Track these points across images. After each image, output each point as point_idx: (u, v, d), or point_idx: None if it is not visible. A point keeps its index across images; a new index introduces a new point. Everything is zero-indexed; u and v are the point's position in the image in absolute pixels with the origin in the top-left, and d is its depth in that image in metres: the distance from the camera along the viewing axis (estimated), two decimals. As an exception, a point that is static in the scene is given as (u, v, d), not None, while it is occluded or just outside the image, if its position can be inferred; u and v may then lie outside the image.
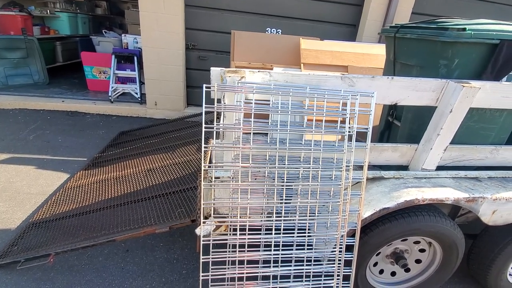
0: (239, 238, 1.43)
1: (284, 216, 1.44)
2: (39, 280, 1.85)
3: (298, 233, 1.47)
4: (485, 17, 1.88)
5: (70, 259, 2.01)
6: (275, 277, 1.51)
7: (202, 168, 1.42)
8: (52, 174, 2.93)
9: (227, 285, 1.50)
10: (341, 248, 1.49)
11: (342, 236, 1.48)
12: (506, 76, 1.60)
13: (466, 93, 1.42)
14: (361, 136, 1.55)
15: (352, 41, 4.04)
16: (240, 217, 1.43)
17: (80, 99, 4.83)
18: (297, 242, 1.48)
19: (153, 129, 3.78)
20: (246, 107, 1.33)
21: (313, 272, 1.52)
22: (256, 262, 1.49)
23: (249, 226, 1.44)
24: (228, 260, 1.45)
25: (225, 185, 1.51)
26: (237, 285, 1.50)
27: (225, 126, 1.42)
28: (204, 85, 1.30)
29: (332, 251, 1.50)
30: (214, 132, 1.37)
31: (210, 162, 1.61)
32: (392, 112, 2.12)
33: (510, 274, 1.89)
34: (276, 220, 1.44)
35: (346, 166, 1.42)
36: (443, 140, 1.57)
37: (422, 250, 1.79)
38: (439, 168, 1.69)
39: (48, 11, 6.10)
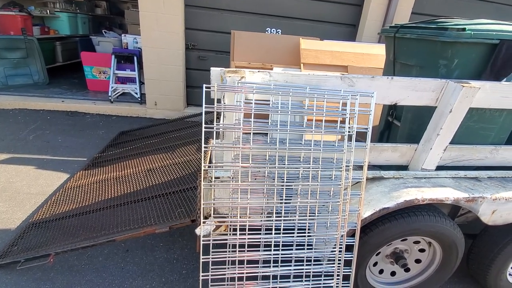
0: (239, 238, 1.43)
1: (284, 216, 1.44)
2: (39, 280, 1.85)
3: (298, 233, 1.47)
4: (485, 17, 1.88)
5: (70, 259, 2.02)
6: (275, 277, 1.51)
7: (202, 168, 1.42)
8: (52, 174, 2.93)
9: (227, 285, 1.50)
10: (341, 248, 1.49)
11: (342, 236, 1.48)
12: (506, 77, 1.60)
13: (465, 93, 1.42)
14: (361, 136, 1.55)
15: (352, 41, 4.05)
16: (240, 217, 1.43)
17: (80, 99, 4.83)
18: (297, 242, 1.48)
19: (153, 129, 3.78)
20: (246, 107, 1.33)
21: (313, 272, 1.53)
22: (256, 262, 1.49)
23: (249, 226, 1.44)
24: (228, 260, 1.45)
25: (225, 185, 1.51)
26: (237, 285, 1.50)
27: (225, 126, 1.42)
28: (204, 85, 1.30)
29: (332, 251, 1.50)
30: (214, 132, 1.37)
31: (210, 162, 1.61)
32: (392, 112, 2.12)
33: (510, 274, 1.89)
34: (276, 220, 1.44)
35: (346, 166, 1.42)
36: (442, 140, 1.57)
37: (422, 250, 1.79)
38: (439, 168, 1.69)
39: (48, 11, 6.10)
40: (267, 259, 1.48)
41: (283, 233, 1.46)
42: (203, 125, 1.30)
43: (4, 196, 2.56)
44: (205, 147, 1.34)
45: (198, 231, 1.46)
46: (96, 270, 1.95)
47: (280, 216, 1.44)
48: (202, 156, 1.38)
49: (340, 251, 1.50)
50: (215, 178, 1.51)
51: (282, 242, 1.47)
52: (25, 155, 3.23)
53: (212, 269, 1.43)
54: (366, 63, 2.95)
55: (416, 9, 4.38)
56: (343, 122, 1.41)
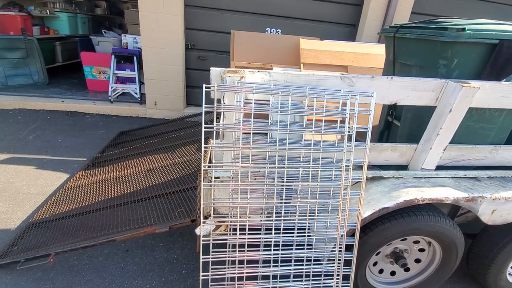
0: (239, 238, 1.44)
1: (284, 216, 1.44)
2: (39, 280, 1.85)
3: (297, 232, 1.47)
4: (485, 17, 1.88)
5: (70, 259, 2.02)
6: (274, 276, 1.51)
7: (202, 168, 1.43)
8: (52, 174, 2.93)
9: (227, 284, 1.50)
10: (340, 247, 1.50)
11: (341, 235, 1.48)
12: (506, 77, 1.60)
13: (465, 93, 1.42)
14: (360, 136, 1.56)
15: (351, 41, 4.05)
16: (240, 217, 1.43)
17: (79, 99, 4.83)
18: (296, 241, 1.48)
19: (153, 129, 3.78)
20: (246, 107, 1.34)
21: (312, 272, 1.53)
22: (256, 261, 1.49)
23: (249, 226, 1.44)
24: (228, 260, 1.45)
25: (225, 185, 1.51)
26: (237, 284, 1.50)
27: (225, 126, 1.42)
28: (204, 85, 1.30)
29: (332, 251, 1.50)
30: (214, 132, 1.37)
31: (210, 162, 1.61)
32: (392, 112, 2.12)
33: (509, 274, 1.89)
34: (276, 220, 1.44)
35: (346, 166, 1.42)
36: (442, 140, 1.57)
37: (421, 250, 1.79)
38: (439, 167, 1.69)
39: (47, 11, 6.10)
40: (267, 259, 1.48)
41: (283, 233, 1.46)
42: (203, 125, 1.30)
43: (4, 196, 2.56)
44: (205, 147, 1.34)
45: (198, 231, 1.46)
46: (96, 270, 1.95)
47: (280, 216, 1.44)
48: (202, 156, 1.38)
49: (340, 251, 1.50)
50: (215, 178, 1.51)
51: (282, 242, 1.47)
52: (25, 155, 3.23)
53: (212, 269, 1.44)
54: (366, 63, 2.95)
55: (416, 9, 4.38)
56: (342, 122, 1.41)
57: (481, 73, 1.60)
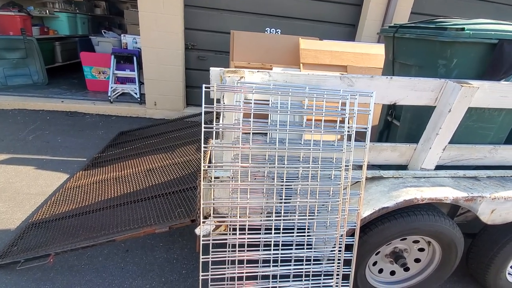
0: (238, 238, 1.44)
1: (284, 216, 1.44)
2: (39, 280, 1.85)
3: (297, 232, 1.47)
4: (484, 17, 1.89)
5: (70, 259, 2.02)
6: (274, 276, 1.51)
7: (202, 168, 1.43)
8: (52, 174, 2.93)
9: (227, 284, 1.50)
10: (340, 247, 1.50)
11: (341, 235, 1.48)
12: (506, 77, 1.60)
13: (464, 92, 1.42)
14: (360, 136, 1.56)
15: (351, 41, 4.05)
16: (239, 217, 1.43)
17: (79, 99, 4.83)
18: (296, 241, 1.49)
19: (153, 129, 3.78)
20: (246, 107, 1.34)
21: (312, 272, 1.53)
22: (256, 261, 1.49)
23: (248, 225, 1.44)
24: (228, 260, 1.45)
25: (225, 185, 1.51)
26: (237, 284, 1.50)
27: (225, 126, 1.42)
28: (204, 85, 1.30)
29: (332, 251, 1.50)
30: (214, 132, 1.38)
31: (210, 162, 1.62)
32: (391, 111, 2.12)
33: (509, 273, 1.90)
34: (276, 220, 1.44)
35: (346, 165, 1.42)
36: (442, 140, 1.57)
37: (421, 249, 1.79)
38: (438, 167, 1.69)
39: (47, 11, 6.10)
40: (267, 258, 1.48)
41: (283, 233, 1.46)
42: (203, 125, 1.30)
43: (3, 196, 2.56)
44: (204, 147, 1.34)
45: (197, 231, 1.46)
46: (96, 270, 1.95)
47: (280, 216, 1.44)
48: (202, 156, 1.38)
49: (339, 251, 1.50)
50: (214, 178, 1.52)
51: (282, 241, 1.47)
52: (24, 155, 3.23)
53: (211, 268, 1.44)
54: (365, 63, 2.95)
55: (415, 9, 4.38)
56: (342, 121, 1.41)
57: (481, 73, 1.61)
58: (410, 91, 1.52)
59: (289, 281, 1.54)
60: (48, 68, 5.72)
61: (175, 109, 4.64)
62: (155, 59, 4.30)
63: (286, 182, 1.43)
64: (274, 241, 1.47)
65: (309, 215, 1.46)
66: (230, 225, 1.45)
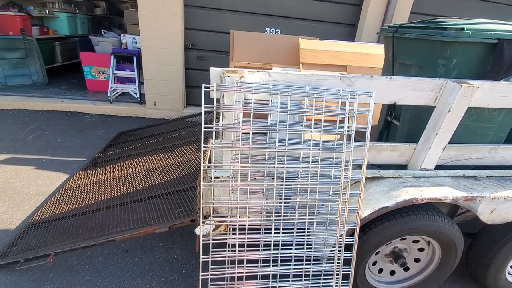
0: (238, 238, 1.44)
1: (284, 216, 1.44)
2: (38, 280, 1.85)
3: (297, 232, 1.47)
4: (484, 17, 1.89)
5: (69, 259, 2.02)
6: (274, 276, 1.51)
7: (202, 168, 1.43)
8: (52, 174, 2.93)
9: (227, 284, 1.50)
10: (340, 247, 1.50)
11: (341, 235, 1.48)
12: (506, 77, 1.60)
13: (464, 92, 1.42)
14: (360, 136, 1.56)
15: (351, 41, 4.05)
16: (239, 217, 1.44)
17: (79, 99, 4.83)
18: (296, 241, 1.49)
19: (153, 129, 3.78)
20: (245, 107, 1.34)
21: (312, 271, 1.53)
22: (256, 261, 1.49)
23: (248, 225, 1.44)
24: (228, 260, 1.45)
25: (225, 184, 1.51)
26: (237, 284, 1.50)
27: (224, 126, 1.42)
28: (203, 85, 1.30)
29: (331, 250, 1.50)
30: (214, 132, 1.38)
31: (210, 162, 1.62)
32: (391, 111, 2.12)
33: (509, 273, 1.90)
34: (276, 220, 1.44)
35: (345, 165, 1.42)
36: (441, 140, 1.58)
37: (421, 249, 1.79)
38: (438, 167, 1.69)
39: (47, 11, 6.10)
40: (267, 258, 1.48)
41: (283, 233, 1.46)
42: (203, 125, 1.30)
43: (3, 196, 2.56)
44: (204, 147, 1.34)
45: (197, 230, 1.46)
46: (95, 270, 1.95)
47: (280, 216, 1.44)
48: (202, 156, 1.38)
49: (339, 250, 1.50)
50: (214, 177, 1.52)
51: (282, 241, 1.47)
52: (24, 155, 3.23)
53: (211, 268, 1.44)
54: (365, 63, 2.95)
55: (415, 9, 4.38)
56: (342, 121, 1.41)
57: (481, 73, 1.61)
58: (410, 91, 1.52)
59: (289, 281, 1.54)
60: (48, 68, 5.72)
61: (175, 109, 4.64)
62: (155, 59, 4.30)
63: (285, 182, 1.43)
64: (274, 241, 1.47)
65: (309, 215, 1.46)
66: (230, 225, 1.45)
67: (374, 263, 1.80)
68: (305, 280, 1.54)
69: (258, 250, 1.47)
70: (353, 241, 1.49)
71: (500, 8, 4.65)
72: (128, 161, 2.89)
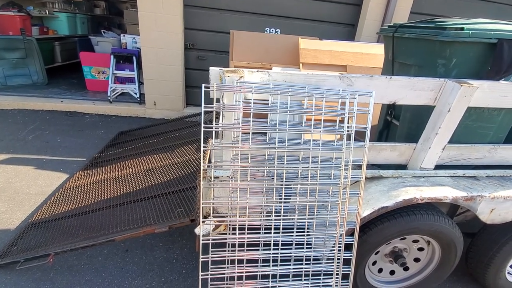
0: (238, 238, 1.44)
1: (283, 215, 1.44)
2: (38, 280, 1.85)
3: (297, 232, 1.47)
4: (484, 17, 1.89)
5: (69, 259, 2.02)
6: (274, 276, 1.51)
7: (201, 167, 1.43)
8: (51, 174, 2.93)
9: (227, 284, 1.50)
10: (340, 247, 1.50)
11: (341, 235, 1.48)
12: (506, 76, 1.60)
13: (464, 92, 1.42)
14: (359, 136, 1.56)
15: (351, 41, 4.05)
16: (239, 217, 1.44)
17: (79, 99, 4.83)
18: (296, 241, 1.49)
19: (152, 129, 3.78)
20: (245, 106, 1.34)
21: (312, 271, 1.53)
22: (255, 261, 1.49)
23: (248, 225, 1.44)
24: (228, 259, 1.45)
25: (224, 184, 1.51)
26: (237, 284, 1.50)
27: (224, 125, 1.42)
28: (203, 85, 1.30)
29: (331, 250, 1.50)
30: (213, 132, 1.38)
31: (209, 161, 1.62)
32: (391, 111, 2.12)
33: (508, 273, 1.90)
34: (275, 219, 1.44)
35: (345, 165, 1.42)
36: (441, 139, 1.58)
37: (420, 249, 1.80)
38: (438, 167, 1.69)
39: (46, 11, 6.10)
40: (267, 258, 1.48)
41: (282, 232, 1.46)
42: (202, 125, 1.30)
43: (3, 196, 2.55)
44: (204, 147, 1.34)
45: (197, 230, 1.46)
46: (95, 270, 1.95)
47: (279, 216, 1.44)
48: (202, 156, 1.38)
49: (339, 250, 1.50)
50: (214, 177, 1.52)
51: (281, 241, 1.47)
52: (24, 155, 3.23)
53: (211, 268, 1.44)
54: (365, 63, 2.95)
55: (415, 8, 4.39)
56: (342, 121, 1.41)
57: (481, 73, 1.61)
58: (410, 90, 1.52)
59: (288, 280, 1.54)
60: (48, 68, 5.71)
61: (175, 109, 4.64)
62: (154, 59, 4.30)
63: (285, 181, 1.43)
64: (273, 241, 1.47)
65: (308, 215, 1.46)
66: (229, 224, 1.45)
67: (374, 263, 1.80)
68: (304, 279, 1.54)
69: (258, 250, 1.47)
70: (352, 240, 1.49)
71: (500, 8, 4.66)
72: (128, 161, 2.89)
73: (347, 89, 1.46)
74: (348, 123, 1.41)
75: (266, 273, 1.50)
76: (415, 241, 1.76)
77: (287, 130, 1.38)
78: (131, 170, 2.68)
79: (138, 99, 4.91)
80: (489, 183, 1.65)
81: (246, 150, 1.39)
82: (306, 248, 1.50)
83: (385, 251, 1.77)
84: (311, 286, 1.55)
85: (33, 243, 1.95)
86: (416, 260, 1.83)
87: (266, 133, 1.44)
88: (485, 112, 1.65)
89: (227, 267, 1.46)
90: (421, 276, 1.84)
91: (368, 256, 1.66)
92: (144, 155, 2.96)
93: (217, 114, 1.46)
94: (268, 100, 1.40)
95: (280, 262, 1.50)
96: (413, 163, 1.71)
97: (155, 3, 3.98)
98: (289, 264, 1.51)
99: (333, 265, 1.52)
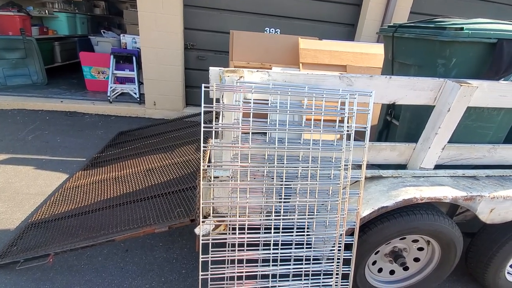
0: (238, 237, 1.44)
1: (283, 215, 1.44)
2: (38, 280, 1.85)
3: (297, 232, 1.47)
4: (483, 17, 1.89)
5: (69, 259, 2.02)
6: (274, 276, 1.51)
7: (201, 167, 1.43)
8: (51, 174, 2.93)
9: (227, 284, 1.50)
10: (340, 247, 1.50)
11: (340, 235, 1.48)
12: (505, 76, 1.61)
13: (463, 92, 1.43)
14: (359, 135, 1.56)
15: (350, 41, 4.05)
16: (239, 216, 1.44)
17: (78, 99, 4.83)
18: (296, 241, 1.49)
19: (152, 129, 3.78)
20: (245, 106, 1.34)
21: (312, 271, 1.53)
22: (255, 261, 1.49)
23: (248, 225, 1.44)
24: (227, 259, 1.45)
25: (224, 184, 1.51)
26: (237, 284, 1.50)
27: (224, 125, 1.42)
28: (203, 85, 1.30)
29: (331, 250, 1.50)
30: (213, 132, 1.37)
31: (209, 161, 1.62)
32: (391, 111, 2.13)
33: (508, 272, 1.90)
34: (275, 219, 1.44)
35: (345, 165, 1.43)
36: (441, 139, 1.58)
37: (420, 249, 1.80)
38: (437, 167, 1.69)
39: (46, 11, 6.09)
40: (266, 258, 1.48)
41: (282, 232, 1.46)
42: (202, 125, 1.30)
43: (3, 196, 2.55)
44: (204, 147, 1.34)
45: (197, 230, 1.46)
46: (95, 270, 1.95)
47: (279, 215, 1.44)
48: (201, 156, 1.38)
49: (339, 250, 1.50)
50: (214, 177, 1.52)
51: (281, 241, 1.47)
52: (24, 155, 3.23)
53: (211, 268, 1.44)
54: (364, 63, 2.95)
55: (415, 8, 4.39)
56: (341, 121, 1.41)
57: (480, 72, 1.61)
58: (409, 90, 1.52)
59: (288, 280, 1.54)
60: (48, 68, 5.71)
61: (175, 109, 4.64)
62: (154, 59, 4.30)
63: (285, 181, 1.43)
64: (273, 241, 1.47)
65: (308, 215, 1.46)
66: (229, 224, 1.45)
67: (374, 263, 1.80)
68: (304, 279, 1.54)
69: (258, 249, 1.47)
70: (352, 240, 1.50)
71: (500, 8, 4.66)
72: (128, 161, 2.89)
73: (347, 89, 1.46)
74: (348, 123, 1.41)
75: (266, 273, 1.50)
76: (415, 241, 1.76)
77: (287, 130, 1.38)
78: (131, 170, 2.68)
79: (138, 99, 4.91)
80: (488, 183, 1.65)
81: (246, 150, 1.39)
82: (306, 248, 1.50)
83: (385, 251, 1.77)
84: (311, 286, 1.55)
85: (33, 243, 1.95)
86: (416, 260, 1.83)
87: (266, 133, 1.44)
88: (484, 112, 1.65)
89: (227, 267, 1.46)
90: (421, 276, 1.85)
91: (368, 256, 1.66)
92: (144, 155, 2.96)
93: (217, 114, 1.46)
94: (268, 100, 1.40)
95: (280, 262, 1.50)
96: (412, 163, 1.71)
97: (155, 3, 3.98)
98: (289, 264, 1.51)
99: (333, 265, 1.52)
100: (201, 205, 1.44)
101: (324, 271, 1.54)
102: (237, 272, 1.47)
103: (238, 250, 1.45)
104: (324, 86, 1.46)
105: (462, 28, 1.51)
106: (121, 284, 1.87)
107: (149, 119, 4.60)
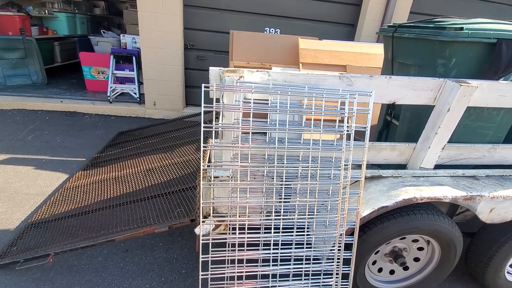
0: (238, 237, 1.44)
1: (283, 215, 1.44)
2: (38, 280, 1.85)
3: (297, 232, 1.48)
4: (483, 17, 1.89)
5: (69, 259, 2.02)
6: (274, 275, 1.51)
7: (201, 167, 1.43)
8: (51, 174, 2.93)
9: (227, 284, 1.50)
10: (340, 246, 1.50)
11: (340, 234, 1.48)
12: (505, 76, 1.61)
13: (463, 92, 1.43)
14: (359, 135, 1.56)
15: (350, 41, 4.05)
16: (239, 216, 1.44)
17: (78, 99, 4.83)
18: (296, 241, 1.49)
19: (152, 129, 3.78)
20: (245, 106, 1.34)
21: (312, 271, 1.53)
22: (255, 261, 1.49)
23: (248, 225, 1.45)
24: (228, 259, 1.45)
25: (224, 184, 1.51)
26: (237, 284, 1.50)
27: (224, 125, 1.42)
28: (203, 85, 1.30)
29: (331, 250, 1.50)
30: (213, 132, 1.37)
31: (209, 161, 1.62)
32: (391, 111, 2.13)
33: (508, 272, 1.90)
34: (275, 219, 1.44)
35: (345, 165, 1.43)
36: (441, 139, 1.58)
37: (420, 249, 1.80)
38: (437, 166, 1.69)
39: (46, 11, 6.09)
40: (266, 258, 1.48)
41: (282, 232, 1.47)
42: (202, 125, 1.30)
43: (3, 196, 2.55)
44: (204, 147, 1.34)
45: (197, 230, 1.46)
46: (95, 270, 1.95)
47: (279, 215, 1.44)
48: (201, 156, 1.38)
49: (339, 250, 1.50)
50: (214, 177, 1.52)
51: (281, 241, 1.47)
52: (24, 155, 3.22)
53: (211, 268, 1.44)
54: (364, 63, 2.95)
55: (415, 8, 4.39)
56: (341, 121, 1.41)
57: (480, 72, 1.61)
58: (409, 90, 1.52)
59: (288, 280, 1.54)
60: (47, 68, 5.71)
61: (175, 109, 4.64)
62: (154, 59, 4.30)
63: (285, 181, 1.43)
64: (273, 241, 1.47)
65: (308, 214, 1.46)
66: (229, 224, 1.45)
67: (374, 263, 1.81)
68: (304, 279, 1.54)
69: (258, 249, 1.47)
70: (352, 240, 1.50)
71: (500, 8, 4.66)
72: (128, 161, 2.89)
73: (346, 89, 1.46)
74: (347, 122, 1.41)
75: (266, 272, 1.50)
76: (415, 240, 1.76)
77: (287, 130, 1.38)
78: (131, 170, 2.68)
79: (138, 99, 4.90)
80: (488, 183, 1.65)
81: (246, 150, 1.39)
82: (306, 247, 1.50)
83: (385, 251, 1.77)
84: (311, 286, 1.55)
85: (33, 243, 1.95)
86: (416, 259, 1.83)
87: (266, 133, 1.44)
88: (484, 111, 1.65)
89: (227, 267, 1.46)
90: (421, 276, 1.85)
91: (368, 256, 1.66)
92: (144, 155, 2.96)
93: (217, 114, 1.46)
94: (268, 100, 1.40)
95: (280, 261, 1.50)
96: (412, 162, 1.71)
97: (155, 3, 3.98)
98: (289, 264, 1.51)
99: (333, 265, 1.52)
100: (201, 205, 1.44)
101: (324, 271, 1.54)
102: (237, 272, 1.47)
103: (238, 250, 1.45)
104: (324, 86, 1.46)
105: (462, 28, 1.51)
106: (121, 284, 1.87)
107: (149, 119, 4.60)
